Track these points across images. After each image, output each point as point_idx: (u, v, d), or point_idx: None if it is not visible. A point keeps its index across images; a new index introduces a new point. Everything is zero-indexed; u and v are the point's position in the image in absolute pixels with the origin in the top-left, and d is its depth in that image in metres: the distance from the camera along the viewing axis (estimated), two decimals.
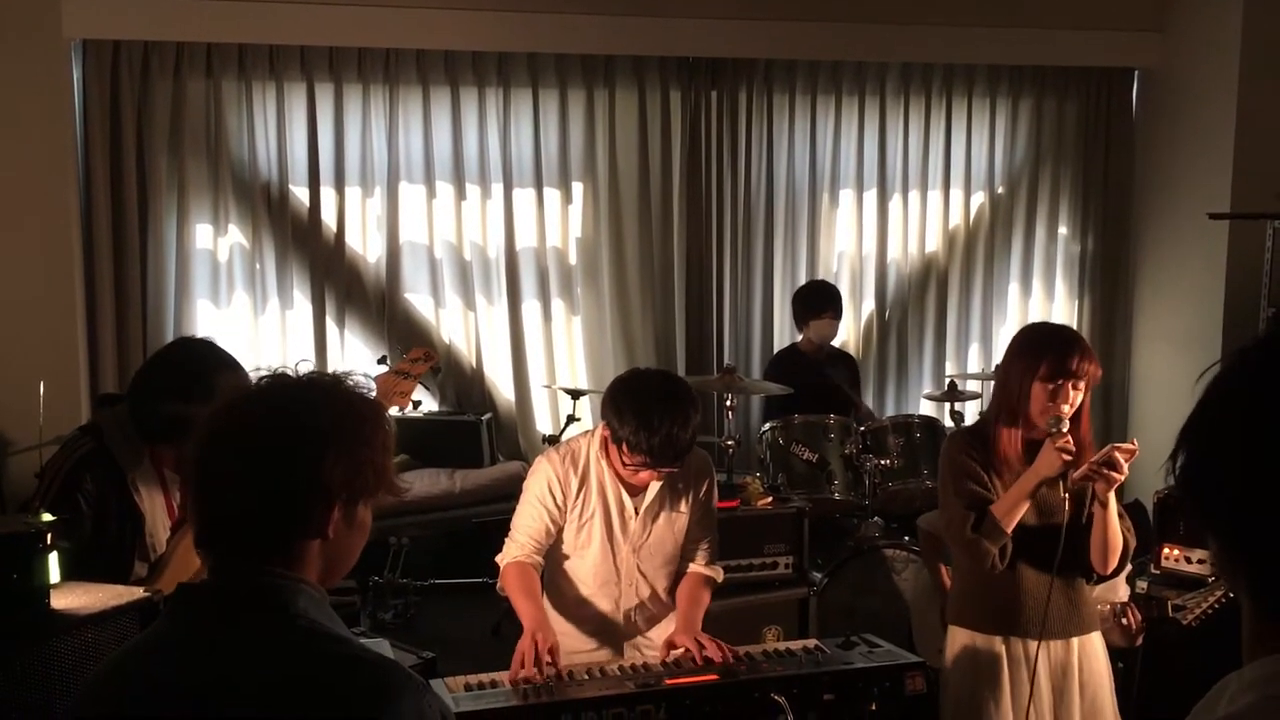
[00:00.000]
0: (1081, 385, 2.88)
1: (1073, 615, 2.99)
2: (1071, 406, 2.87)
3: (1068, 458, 2.80)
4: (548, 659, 2.78)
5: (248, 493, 1.50)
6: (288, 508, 1.50)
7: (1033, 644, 2.95)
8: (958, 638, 3.07)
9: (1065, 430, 2.82)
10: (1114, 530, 2.89)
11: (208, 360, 2.76)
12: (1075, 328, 4.39)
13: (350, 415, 1.56)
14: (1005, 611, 2.97)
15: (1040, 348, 2.92)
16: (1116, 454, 2.78)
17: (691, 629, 2.99)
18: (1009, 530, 2.87)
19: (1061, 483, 2.86)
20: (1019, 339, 3.03)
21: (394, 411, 3.21)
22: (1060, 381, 2.86)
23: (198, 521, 1.55)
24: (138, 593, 2.31)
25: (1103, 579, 3.02)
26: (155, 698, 1.46)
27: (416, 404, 5.73)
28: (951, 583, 3.24)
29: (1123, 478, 2.81)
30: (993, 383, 3.22)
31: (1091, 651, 3.04)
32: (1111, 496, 2.86)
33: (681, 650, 2.95)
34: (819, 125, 6.48)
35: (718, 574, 3.19)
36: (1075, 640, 3.00)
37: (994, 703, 2.96)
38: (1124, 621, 3.24)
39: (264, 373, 1.61)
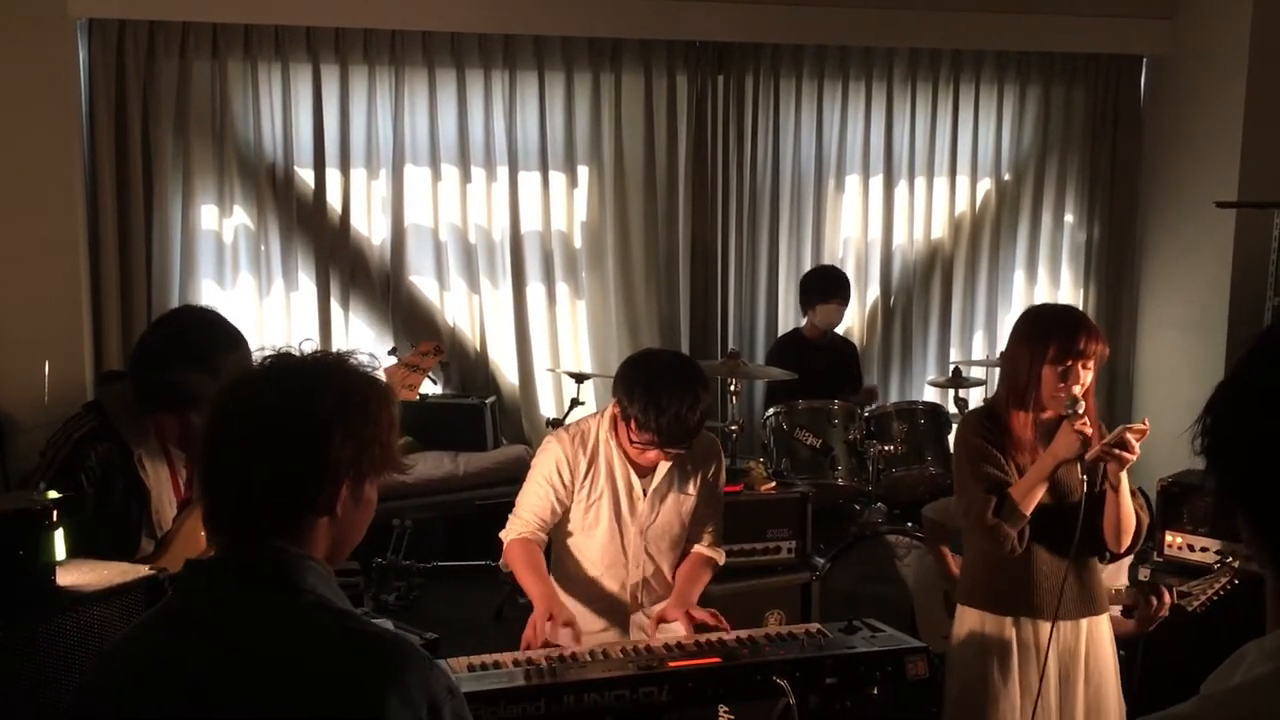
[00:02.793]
0: (1091, 364, 2.88)
1: (1084, 596, 3.01)
2: (1083, 386, 2.87)
3: (1086, 439, 2.80)
4: (565, 635, 2.80)
5: (256, 471, 1.51)
6: (297, 486, 1.51)
7: (1043, 626, 2.96)
8: (967, 618, 3.08)
9: (1083, 412, 2.83)
10: (1127, 510, 2.90)
11: (211, 330, 2.76)
12: None
13: (356, 393, 1.57)
14: (1018, 592, 2.98)
15: (1047, 331, 2.91)
16: (1128, 435, 2.79)
17: (683, 603, 3.00)
18: (1027, 513, 2.87)
19: (1079, 464, 2.86)
20: (1023, 322, 3.02)
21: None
22: (1070, 363, 2.86)
23: (207, 500, 1.56)
24: (143, 570, 2.31)
25: (1116, 557, 3.03)
26: (164, 673, 1.47)
27: (424, 397, 5.76)
28: (962, 563, 3.24)
29: (1134, 458, 2.81)
30: (998, 369, 3.21)
31: (1099, 636, 3.05)
32: (1124, 476, 2.87)
33: (672, 624, 2.95)
34: (825, 110, 6.45)
35: (719, 556, 3.21)
36: (1084, 622, 3.01)
37: (1001, 684, 2.97)
38: (1151, 600, 3.20)
39: (268, 351, 1.61)
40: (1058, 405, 2.88)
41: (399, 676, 1.45)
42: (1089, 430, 2.82)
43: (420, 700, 1.45)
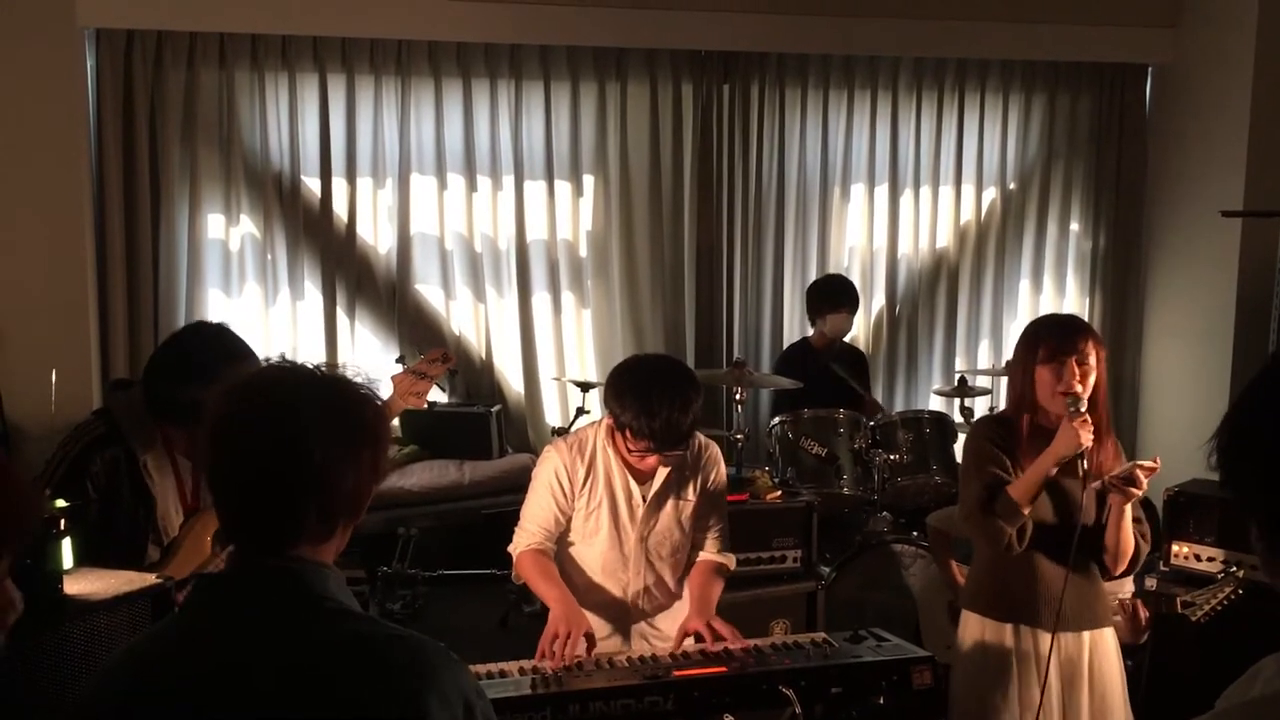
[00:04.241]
0: (1089, 363, 2.88)
1: (1085, 608, 3.01)
2: (1085, 387, 2.86)
3: (1087, 440, 2.80)
4: (581, 648, 2.80)
5: (274, 480, 1.51)
6: (340, 494, 1.53)
7: (1044, 636, 2.96)
8: (970, 625, 3.09)
9: (1083, 410, 2.83)
10: (1127, 535, 2.93)
11: (220, 347, 2.78)
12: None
13: (368, 404, 1.60)
14: (1019, 600, 2.99)
15: (1039, 335, 2.96)
16: (1138, 471, 2.79)
17: (705, 613, 3.00)
18: (1026, 510, 2.87)
19: (1085, 478, 2.86)
20: (1023, 333, 3.06)
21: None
22: (1061, 359, 2.87)
23: (223, 512, 1.55)
24: (150, 579, 2.32)
25: (1112, 578, 3.05)
26: (180, 686, 1.45)
27: (431, 405, 5.79)
28: (970, 568, 3.25)
29: (1141, 493, 2.84)
30: (1003, 378, 3.22)
31: (1104, 648, 3.05)
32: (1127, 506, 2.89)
33: (694, 636, 2.95)
34: (831, 119, 6.46)
35: (729, 561, 3.21)
36: (1087, 634, 3.01)
37: (1002, 693, 2.97)
38: (1132, 615, 3.24)
39: (271, 362, 1.63)
40: (1059, 405, 2.89)
41: (436, 677, 1.47)
42: (1089, 427, 2.82)
43: (456, 700, 1.47)
